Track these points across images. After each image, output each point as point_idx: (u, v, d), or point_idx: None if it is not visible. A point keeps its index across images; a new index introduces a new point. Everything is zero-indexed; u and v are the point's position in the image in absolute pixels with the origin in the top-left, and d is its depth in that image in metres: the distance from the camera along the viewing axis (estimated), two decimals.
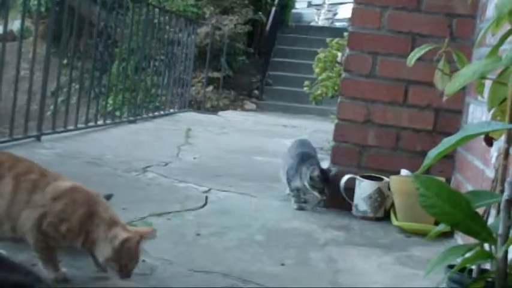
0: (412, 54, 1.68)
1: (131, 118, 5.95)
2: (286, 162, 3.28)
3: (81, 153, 3.94)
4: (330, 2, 19.61)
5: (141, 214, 2.70)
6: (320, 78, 5.14)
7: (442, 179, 2.95)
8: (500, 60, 1.48)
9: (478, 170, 2.52)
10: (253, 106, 10.08)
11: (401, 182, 2.91)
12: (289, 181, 3.17)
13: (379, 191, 3.02)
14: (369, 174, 3.11)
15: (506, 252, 1.21)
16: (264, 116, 8.90)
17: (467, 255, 1.24)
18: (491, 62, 1.52)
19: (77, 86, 5.95)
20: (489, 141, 1.60)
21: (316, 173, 3.03)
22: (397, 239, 2.78)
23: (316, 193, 3.08)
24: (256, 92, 10.56)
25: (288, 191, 3.23)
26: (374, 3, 3.09)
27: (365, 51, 3.13)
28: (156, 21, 6.72)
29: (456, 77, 1.58)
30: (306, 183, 3.06)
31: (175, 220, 2.72)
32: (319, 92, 5.15)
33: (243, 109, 9.79)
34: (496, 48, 1.54)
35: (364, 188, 3.05)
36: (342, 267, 2.35)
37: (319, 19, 18.52)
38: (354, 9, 3.15)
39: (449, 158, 3.10)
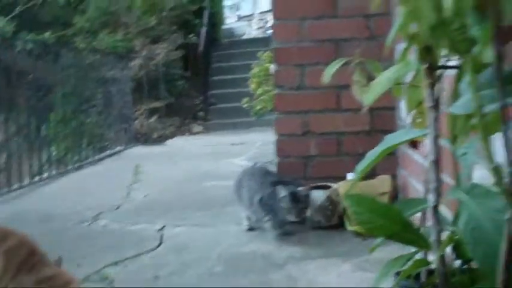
0: (327, 69, 1.70)
1: (77, 164, 5.87)
2: (249, 190, 3.09)
3: (29, 212, 3.87)
4: (259, 11, 19.73)
5: (97, 267, 2.66)
6: (257, 93, 5.16)
7: (388, 177, 3.00)
8: (410, 65, 1.51)
9: (419, 164, 2.56)
10: (201, 128, 10.05)
11: (348, 187, 2.94)
12: (264, 210, 2.96)
13: (329, 199, 3.04)
14: (317, 184, 3.13)
15: (442, 257, 1.23)
16: (212, 136, 8.89)
17: (408, 264, 1.26)
18: (403, 66, 1.54)
19: (18, 141, 5.85)
20: (414, 145, 1.62)
21: (283, 193, 2.96)
22: (353, 244, 2.80)
23: (291, 217, 2.99)
24: (201, 113, 10.53)
25: (246, 224, 3.15)
26: (292, 17, 3.12)
27: (292, 64, 3.16)
28: (88, 61, 6.68)
29: (372, 87, 1.61)
30: (276, 206, 2.95)
31: (132, 266, 2.69)
32: (258, 107, 5.17)
33: (191, 133, 9.75)
34: (404, 52, 1.57)
35: (314, 199, 3.06)
36: (303, 284, 2.35)
37: (252, 30, 18.61)
38: (274, 25, 3.18)
39: (392, 154, 3.14)
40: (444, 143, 1.41)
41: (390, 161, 3.11)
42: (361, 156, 1.43)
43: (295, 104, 3.17)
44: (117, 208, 3.83)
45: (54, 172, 5.41)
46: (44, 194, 4.61)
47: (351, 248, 2.75)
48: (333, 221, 3.06)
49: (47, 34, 9.66)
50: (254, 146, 6.50)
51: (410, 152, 2.81)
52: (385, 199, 2.97)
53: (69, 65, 6.37)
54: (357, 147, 3.11)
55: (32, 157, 5.14)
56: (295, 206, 2.93)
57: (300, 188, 2.98)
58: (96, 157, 6.47)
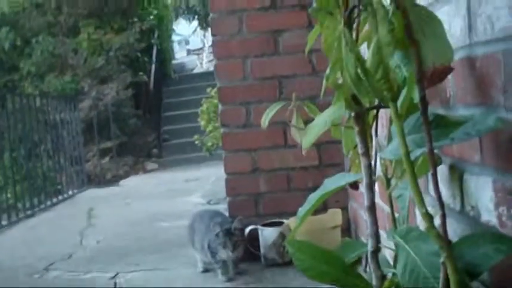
0: (263, 117, 1.71)
1: (29, 212, 5.75)
2: (200, 234, 3.07)
3: None
4: (209, 44, 19.81)
5: None
6: (207, 130, 5.16)
7: (339, 210, 3.02)
8: (344, 107, 1.53)
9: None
10: (155, 165, 9.98)
11: (292, 231, 2.93)
12: (213, 254, 2.95)
13: (282, 236, 3.04)
14: (269, 221, 3.13)
15: None
16: (167, 173, 8.83)
17: None
18: (337, 109, 1.56)
19: None
20: (354, 186, 1.63)
21: (217, 230, 2.93)
22: (307, 280, 2.78)
23: (225, 252, 2.89)
24: (155, 150, 10.48)
25: (200, 266, 3.12)
26: (234, 55, 3.14)
27: (237, 103, 3.16)
28: (36, 105, 6.59)
29: (310, 130, 1.61)
30: (216, 246, 2.91)
31: None
32: (209, 143, 5.17)
33: (145, 171, 9.68)
34: (339, 95, 1.59)
35: (266, 236, 3.06)
36: None
37: (203, 63, 18.68)
38: (216, 65, 3.18)
39: (341, 188, 3.15)
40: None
41: (341, 194, 3.13)
42: (311, 190, 1.46)
43: (242, 142, 3.17)
44: (69, 257, 3.75)
45: (4, 222, 5.28)
46: None
47: (304, 283, 2.73)
48: (286, 257, 3.05)
49: None
50: (208, 182, 6.48)
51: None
52: (337, 233, 2.98)
53: (17, 109, 6.26)
54: (307, 182, 3.12)
55: None
56: (230, 239, 2.88)
57: (235, 223, 2.95)
58: (48, 203, 6.34)
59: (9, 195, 6.67)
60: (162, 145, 10.56)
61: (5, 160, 7.60)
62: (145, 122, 10.89)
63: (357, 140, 1.21)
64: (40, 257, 3.82)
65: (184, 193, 5.98)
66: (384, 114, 1.70)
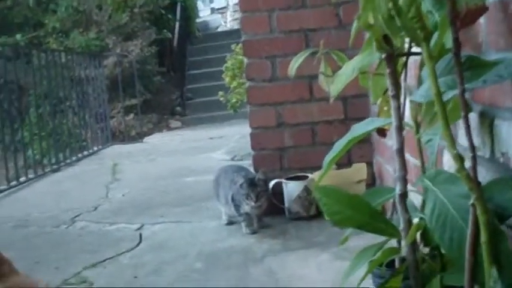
0: (291, 64, 1.70)
1: (55, 167, 5.82)
2: (224, 188, 3.09)
3: (5, 217, 3.82)
4: (234, 2, 19.64)
5: (75, 269, 2.64)
6: (232, 86, 5.15)
7: (363, 165, 3.01)
8: (374, 54, 1.51)
9: (393, 150, 2.56)
10: (179, 124, 10.02)
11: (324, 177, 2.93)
12: (237, 207, 2.98)
13: (306, 190, 3.05)
14: (294, 174, 3.14)
15: (412, 244, 1.23)
16: (191, 131, 8.87)
17: (377, 256, 1.26)
18: (367, 55, 1.54)
19: None
20: (382, 133, 1.63)
21: (240, 181, 2.94)
22: (332, 233, 2.80)
23: (250, 202, 2.91)
24: (178, 108, 10.50)
25: (224, 219, 3.15)
26: (260, 9, 3.11)
27: (262, 56, 3.14)
28: (61, 62, 6.62)
29: (338, 77, 1.60)
30: (240, 198, 2.94)
31: (110, 267, 2.67)
32: (234, 100, 5.16)
33: (169, 129, 9.72)
34: (369, 41, 1.57)
35: (291, 190, 3.07)
36: (282, 276, 2.35)
37: (227, 22, 18.55)
38: (242, 18, 3.16)
39: (367, 142, 3.15)
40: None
41: (365, 149, 3.12)
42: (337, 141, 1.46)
43: (268, 96, 3.16)
44: (95, 209, 3.81)
45: (31, 176, 5.36)
46: (21, 199, 4.56)
47: (329, 237, 2.75)
48: (311, 211, 3.07)
49: (18, 36, 9.57)
50: (232, 140, 6.49)
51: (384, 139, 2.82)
52: (361, 187, 2.98)
53: (42, 66, 6.29)
54: (332, 136, 3.09)
55: (8, 161, 5.08)
56: (253, 190, 2.89)
57: (258, 175, 2.98)
58: (74, 158, 6.41)
59: (35, 151, 6.77)
60: (186, 103, 10.58)
61: (30, 116, 7.70)
62: (169, 80, 10.89)
63: (388, 82, 1.19)
64: (66, 209, 3.88)
65: (208, 150, 6.00)
66: (413, 64, 1.67)
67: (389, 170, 2.77)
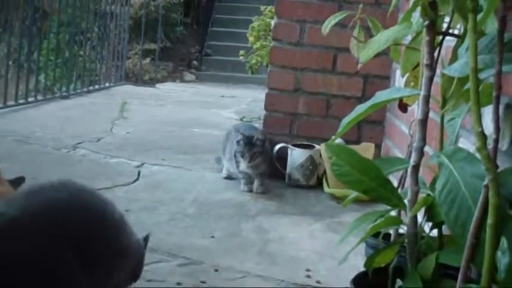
0: (326, 22, 1.68)
1: (64, 93, 5.81)
2: (231, 144, 3.05)
3: (9, 131, 3.82)
4: None
5: None
6: (255, 47, 5.12)
7: (372, 145, 3.00)
8: (411, 26, 1.49)
9: (405, 135, 2.55)
10: (193, 77, 9.98)
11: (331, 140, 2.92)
12: (237, 164, 2.97)
13: (311, 159, 3.04)
14: (301, 142, 3.13)
15: (415, 218, 1.22)
16: (203, 86, 8.83)
17: (378, 221, 1.25)
18: (403, 28, 1.52)
19: (7, 63, 5.74)
20: (403, 107, 1.61)
21: (239, 138, 2.91)
22: (328, 206, 2.81)
23: (244, 161, 2.89)
24: (195, 62, 10.46)
25: (224, 173, 3.15)
26: None
27: (293, 19, 3.11)
28: None
29: (370, 45, 1.59)
30: (236, 154, 2.94)
31: (105, 196, 2.67)
32: (254, 61, 5.13)
33: (183, 80, 9.69)
34: (408, 14, 1.54)
35: (296, 157, 3.06)
36: (272, 236, 2.35)
37: None
38: None
39: (379, 123, 3.14)
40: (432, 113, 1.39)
41: (376, 130, 3.11)
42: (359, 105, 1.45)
43: (290, 59, 3.13)
44: (98, 140, 3.80)
45: (40, 98, 5.35)
46: (27, 117, 4.56)
47: (325, 209, 2.75)
48: (311, 181, 3.06)
49: None
50: (244, 102, 6.46)
51: (397, 122, 2.80)
52: None
53: None
54: (346, 112, 3.06)
55: (20, 81, 5.06)
56: (249, 149, 2.86)
57: (257, 134, 2.93)
58: (85, 89, 6.39)
59: (48, 76, 6.74)
60: (204, 59, 10.52)
61: (48, 42, 7.66)
62: (191, 32, 10.83)
63: (424, 50, 1.18)
64: (70, 135, 3.87)
65: (218, 106, 5.98)
66: (445, 50, 1.64)
67: (396, 154, 2.76)
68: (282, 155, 3.10)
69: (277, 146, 3.10)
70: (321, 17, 3.05)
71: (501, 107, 1.42)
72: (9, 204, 1.32)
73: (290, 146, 3.09)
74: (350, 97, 3.12)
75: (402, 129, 2.65)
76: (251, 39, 5.12)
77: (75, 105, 5.38)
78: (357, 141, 3.09)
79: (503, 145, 1.39)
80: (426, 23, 1.15)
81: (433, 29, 1.16)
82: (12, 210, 1.28)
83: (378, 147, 3.11)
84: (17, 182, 1.91)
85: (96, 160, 3.32)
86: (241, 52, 5.58)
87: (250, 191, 2.94)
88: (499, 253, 0.96)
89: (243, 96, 7.03)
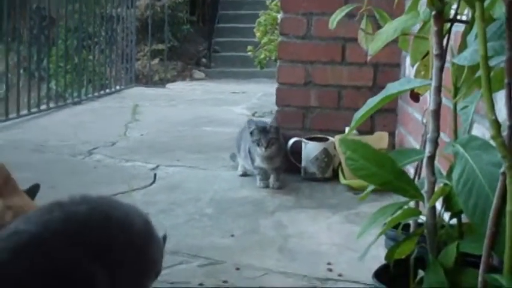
0: (333, 16, 1.68)
1: (76, 99, 5.84)
2: (246, 141, 3.06)
3: (24, 141, 3.86)
4: None
5: None
6: (262, 42, 5.11)
7: (386, 133, 2.99)
8: (419, 16, 1.48)
9: (418, 122, 2.54)
10: (202, 75, 9.98)
11: (345, 133, 2.92)
12: (252, 160, 2.99)
13: (325, 152, 3.04)
14: (314, 135, 3.12)
15: (433, 208, 1.22)
16: (214, 84, 8.83)
17: (397, 213, 1.25)
18: (411, 17, 1.52)
19: (18, 72, 5.77)
20: (415, 97, 1.61)
21: (252, 127, 2.92)
22: (345, 197, 2.81)
23: (259, 150, 2.88)
24: (204, 60, 10.46)
25: (240, 170, 3.15)
26: None
27: (299, 12, 3.11)
28: None
29: (378, 36, 1.58)
30: (251, 145, 2.94)
31: (123, 201, 2.68)
32: (262, 56, 5.12)
33: (192, 79, 9.69)
34: (415, 3, 1.54)
35: (310, 150, 3.06)
36: (292, 232, 2.36)
37: None
38: None
39: (392, 112, 3.13)
40: (445, 99, 1.39)
41: (389, 118, 3.10)
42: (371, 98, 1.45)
43: (299, 53, 3.13)
44: (113, 145, 3.82)
45: (52, 105, 5.38)
46: (41, 126, 4.59)
47: (342, 201, 2.75)
48: (327, 173, 3.06)
49: None
50: (255, 97, 6.46)
51: (410, 109, 2.79)
52: None
53: None
54: (358, 102, 3.05)
55: (31, 89, 5.09)
56: (264, 136, 2.86)
57: (270, 122, 2.96)
58: (95, 94, 6.42)
59: (59, 83, 6.78)
60: (212, 56, 10.52)
61: (57, 48, 7.70)
62: (198, 30, 10.82)
63: (433, 41, 1.17)
64: (84, 141, 3.90)
65: (229, 103, 5.99)
66: (454, 36, 1.63)
67: (411, 141, 2.75)
68: (297, 149, 3.10)
69: (291, 141, 3.10)
70: (327, 9, 3.04)
71: None
72: (28, 220, 1.31)
73: (304, 139, 3.09)
74: (361, 87, 3.11)
75: (415, 117, 2.64)
76: (258, 34, 5.10)
77: (87, 111, 5.40)
78: (371, 131, 3.08)
79: None
80: (433, 13, 1.14)
81: (441, 18, 1.16)
82: (31, 227, 1.27)
83: (392, 135, 3.10)
84: (33, 190, 1.93)
85: (111, 165, 3.33)
86: (249, 48, 5.57)
87: (267, 186, 2.95)
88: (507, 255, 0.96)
89: (254, 91, 7.03)
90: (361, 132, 2.98)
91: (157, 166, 3.30)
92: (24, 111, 4.90)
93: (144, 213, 1.54)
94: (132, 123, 4.70)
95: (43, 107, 5.22)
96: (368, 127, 3.09)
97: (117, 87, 7.12)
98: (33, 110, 5.03)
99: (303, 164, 3.09)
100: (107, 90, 6.80)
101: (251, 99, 6.30)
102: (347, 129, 3.05)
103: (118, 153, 3.57)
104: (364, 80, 3.09)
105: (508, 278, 0.95)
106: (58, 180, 2.95)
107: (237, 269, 1.99)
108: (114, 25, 7.35)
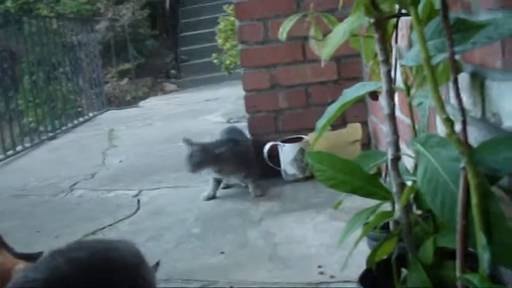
0: (281, 29, 1.69)
1: (51, 134, 5.82)
2: None
3: (4, 187, 3.83)
4: None
5: (75, 238, 2.65)
6: (225, 48, 5.11)
7: (358, 125, 3.02)
8: (364, 16, 1.50)
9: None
10: (174, 86, 9.97)
11: (320, 138, 2.94)
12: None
13: (302, 151, 3.05)
14: (289, 137, 3.14)
15: (405, 207, 1.24)
16: (186, 94, 8.83)
17: (371, 217, 1.27)
18: (357, 18, 1.53)
19: None
20: (374, 96, 1.62)
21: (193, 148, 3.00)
22: (328, 194, 2.81)
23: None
24: (173, 71, 10.44)
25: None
26: None
27: (254, 18, 3.12)
28: (53, 28, 6.56)
29: (328, 41, 1.59)
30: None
31: (110, 234, 2.69)
32: (228, 62, 5.13)
33: (165, 92, 9.67)
34: (358, 4, 1.55)
35: (287, 152, 3.07)
36: (280, 238, 2.37)
37: None
38: None
39: (361, 101, 3.15)
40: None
41: (360, 109, 3.12)
42: (329, 105, 1.46)
43: (261, 58, 3.14)
44: (93, 176, 3.82)
45: (27, 144, 5.35)
46: (19, 168, 4.57)
47: (325, 198, 2.77)
48: (307, 172, 3.08)
49: (8, 2, 9.46)
50: (228, 101, 6.47)
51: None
52: (357, 147, 2.99)
53: (34, 33, 6.24)
54: (326, 97, 3.10)
55: (3, 131, 5.07)
56: (187, 161, 2.98)
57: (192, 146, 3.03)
58: (70, 125, 6.40)
59: (30, 119, 6.75)
60: (181, 66, 10.51)
61: (24, 84, 7.66)
62: (162, 43, 10.81)
63: (377, 47, 1.19)
64: (64, 177, 3.89)
65: (204, 112, 5.99)
66: (404, 24, 1.66)
67: (383, 129, 2.77)
68: (274, 153, 3.11)
69: (267, 146, 3.11)
70: (280, 11, 3.08)
71: (467, 76, 1.44)
72: (37, 270, 1.42)
73: (279, 143, 3.10)
74: (326, 82, 3.13)
75: (383, 105, 2.66)
76: (220, 41, 5.11)
77: (64, 144, 5.39)
78: (343, 123, 3.11)
79: (478, 113, 1.41)
80: (372, 21, 1.16)
81: (381, 26, 1.17)
82: (41, 275, 1.39)
83: (365, 124, 3.12)
84: (34, 256, 1.90)
85: (94, 198, 3.33)
86: (214, 55, 5.58)
87: (210, 198, 3.00)
88: (479, 249, 0.98)
89: (227, 95, 7.03)
90: (333, 126, 3.01)
91: (140, 191, 3.31)
92: (1, 156, 4.87)
93: (134, 246, 1.65)
94: (109, 149, 4.70)
95: (19, 147, 5.20)
96: (340, 119, 3.11)
97: (90, 114, 7.11)
98: (9, 152, 5.00)
99: (282, 166, 3.10)
100: (81, 119, 6.78)
101: (225, 104, 6.31)
102: (318, 121, 3.08)
103: (99, 185, 3.57)
104: (329, 75, 3.12)
105: (480, 276, 0.96)
106: (43, 223, 2.95)
107: (231, 287, 2.00)
108: (77, 52, 7.33)
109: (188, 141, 3.02)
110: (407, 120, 2.00)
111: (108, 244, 1.64)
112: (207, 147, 2.97)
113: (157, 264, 1.74)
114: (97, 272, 1.45)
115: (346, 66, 3.09)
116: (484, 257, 0.96)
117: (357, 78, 3.05)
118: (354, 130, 2.99)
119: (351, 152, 2.86)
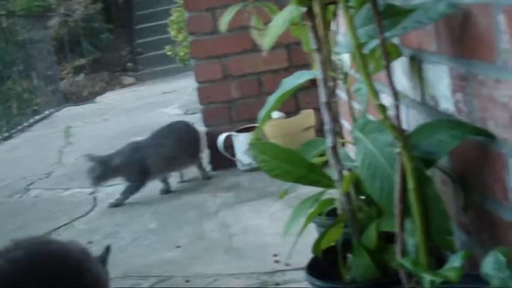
0: (222, 21, 1.68)
1: (6, 134, 5.72)
2: None
3: None
4: None
5: None
6: (179, 40, 5.08)
7: (311, 111, 3.03)
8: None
9: (339, 96, 2.59)
10: (132, 80, 9.87)
11: (273, 126, 2.95)
12: None
13: None
14: (243, 126, 3.14)
15: (348, 193, 1.25)
16: (144, 87, 8.75)
17: (315, 205, 1.28)
18: (296, 7, 1.53)
19: None
20: (315, 84, 1.62)
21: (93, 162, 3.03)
22: (283, 183, 2.82)
23: None
24: (130, 64, 10.33)
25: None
26: None
27: (202, 9, 3.10)
28: (4, 25, 6.45)
29: (269, 30, 1.59)
30: None
31: (66, 234, 2.66)
32: (182, 53, 5.10)
33: (122, 86, 9.57)
34: None
35: (241, 142, 3.07)
36: (236, 229, 2.37)
37: None
38: None
39: (313, 87, 3.14)
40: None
41: (312, 94, 3.11)
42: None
43: (211, 49, 3.13)
44: (49, 176, 3.77)
45: None
46: None
47: (280, 187, 2.73)
48: None
49: None
50: (185, 93, 6.43)
51: None
52: (311, 133, 3.00)
53: None
54: (278, 85, 3.09)
55: None
56: (88, 176, 3.00)
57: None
58: (26, 124, 6.31)
59: None
60: (137, 58, 10.40)
61: None
62: (118, 36, 10.68)
63: (310, 36, 1.19)
64: (20, 177, 3.83)
65: (161, 105, 5.95)
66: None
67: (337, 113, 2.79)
68: (230, 144, 3.11)
69: (222, 137, 3.10)
70: (229, 1, 3.04)
71: (406, 60, 1.45)
72: None
73: (234, 133, 3.10)
74: (278, 70, 3.13)
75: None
76: (173, 33, 5.08)
77: (20, 143, 5.31)
78: (296, 110, 3.11)
79: (417, 96, 1.42)
80: (304, 10, 1.16)
81: (313, 15, 1.17)
82: None
83: (318, 110, 3.13)
84: None
85: (50, 198, 3.29)
86: (167, 47, 5.54)
87: (166, 192, 3.05)
88: (405, 235, 0.99)
89: (184, 87, 6.97)
90: (287, 113, 3.01)
91: (96, 189, 3.27)
92: None
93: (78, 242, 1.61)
94: (66, 147, 4.64)
95: None
96: (293, 106, 3.12)
97: (47, 112, 7.01)
98: None
99: (238, 157, 3.10)
100: (37, 117, 6.68)
101: (182, 96, 6.28)
102: (273, 113, 3.08)
103: (55, 184, 3.52)
104: (280, 63, 3.11)
105: (412, 259, 0.97)
106: None
107: (187, 281, 1.99)
108: (30, 50, 7.21)
109: (89, 156, 3.03)
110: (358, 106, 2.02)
111: (47, 240, 1.65)
112: (105, 160, 3.01)
113: (107, 249, 1.69)
114: (39, 268, 1.42)
115: (297, 53, 3.09)
116: (409, 241, 0.97)
117: (308, 65, 3.05)
118: (307, 116, 2.99)
119: (304, 139, 2.84)
